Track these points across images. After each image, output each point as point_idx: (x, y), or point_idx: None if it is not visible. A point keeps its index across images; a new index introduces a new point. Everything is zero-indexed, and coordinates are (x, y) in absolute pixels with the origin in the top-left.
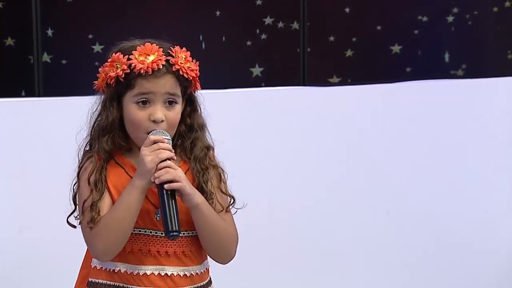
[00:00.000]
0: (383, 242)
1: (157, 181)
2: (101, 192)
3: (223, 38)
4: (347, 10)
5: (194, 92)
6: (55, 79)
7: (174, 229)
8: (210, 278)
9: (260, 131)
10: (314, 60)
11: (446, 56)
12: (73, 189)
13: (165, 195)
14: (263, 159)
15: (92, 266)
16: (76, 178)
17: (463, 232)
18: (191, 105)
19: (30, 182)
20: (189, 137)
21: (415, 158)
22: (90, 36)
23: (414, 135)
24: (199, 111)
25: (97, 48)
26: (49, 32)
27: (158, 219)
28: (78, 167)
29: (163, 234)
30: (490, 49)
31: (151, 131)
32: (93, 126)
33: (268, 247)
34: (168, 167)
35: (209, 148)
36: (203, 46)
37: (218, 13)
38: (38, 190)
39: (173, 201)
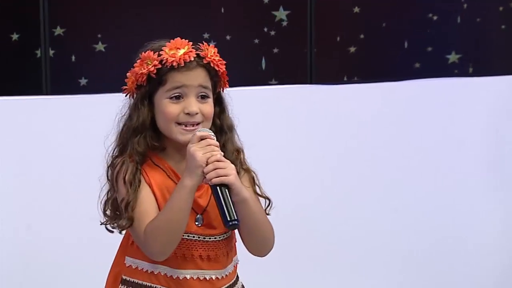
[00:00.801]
0: (391, 241)
1: (210, 183)
2: (135, 193)
3: (228, 36)
4: (355, 8)
5: (223, 91)
6: (63, 77)
7: (232, 218)
8: (237, 273)
9: (267, 129)
10: (321, 58)
11: (453, 55)
12: (108, 195)
13: (217, 187)
14: (270, 157)
15: (127, 265)
16: (111, 183)
17: (472, 230)
18: (219, 105)
19: (38, 179)
20: (219, 140)
21: (424, 156)
22: (99, 35)
23: (422, 133)
24: (227, 111)
25: (100, 47)
26: (58, 30)
27: (199, 225)
28: (112, 172)
29: (204, 239)
30: (497, 48)
31: (182, 122)
32: (122, 129)
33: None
34: (218, 161)
35: (239, 151)
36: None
37: (223, 10)
38: (46, 188)
39: (226, 191)
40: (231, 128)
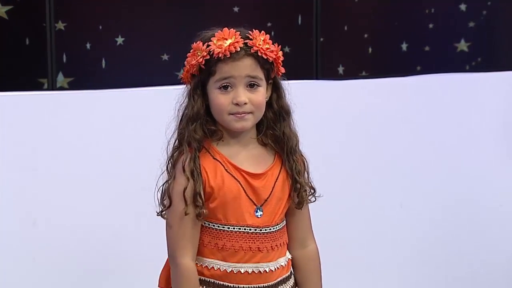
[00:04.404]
0: (396, 235)
1: None
2: (199, 181)
3: None
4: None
5: (279, 76)
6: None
7: None
8: (291, 269)
9: None
10: (327, 53)
11: (463, 45)
12: (164, 186)
13: None
14: None
15: None
16: (169, 173)
17: (477, 225)
18: (276, 91)
19: (44, 175)
20: (278, 126)
21: (429, 151)
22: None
23: (428, 129)
24: (285, 96)
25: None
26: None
27: (258, 216)
28: (170, 163)
29: (261, 231)
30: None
31: (233, 113)
32: (181, 119)
33: None
34: None
35: (297, 137)
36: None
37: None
38: (52, 184)
39: None
40: (288, 113)
